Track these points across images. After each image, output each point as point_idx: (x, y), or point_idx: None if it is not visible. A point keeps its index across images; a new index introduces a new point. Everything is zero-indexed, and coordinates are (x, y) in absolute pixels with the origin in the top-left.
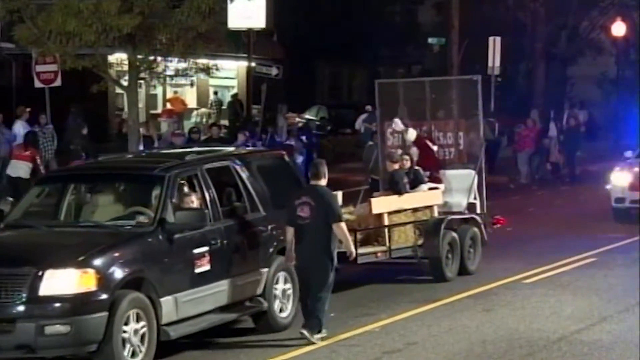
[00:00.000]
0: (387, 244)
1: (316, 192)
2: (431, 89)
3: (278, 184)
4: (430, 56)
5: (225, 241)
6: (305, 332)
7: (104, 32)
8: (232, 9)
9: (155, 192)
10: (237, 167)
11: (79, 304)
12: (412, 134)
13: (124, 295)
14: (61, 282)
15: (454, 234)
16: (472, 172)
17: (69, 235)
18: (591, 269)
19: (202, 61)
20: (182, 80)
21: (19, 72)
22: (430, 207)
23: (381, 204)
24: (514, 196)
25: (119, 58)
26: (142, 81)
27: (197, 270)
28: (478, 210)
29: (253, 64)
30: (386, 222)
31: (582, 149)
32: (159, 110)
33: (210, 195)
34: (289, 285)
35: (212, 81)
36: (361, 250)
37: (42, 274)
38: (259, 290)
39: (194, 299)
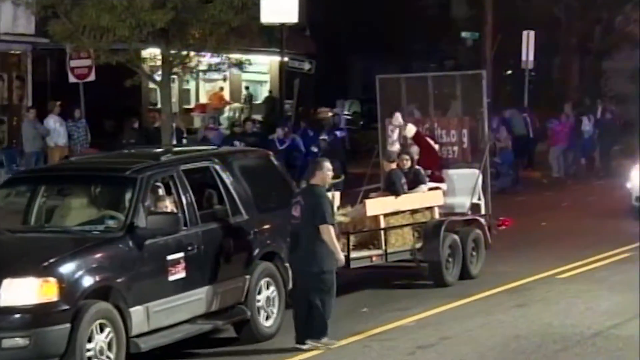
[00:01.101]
0: (383, 247)
1: (307, 191)
2: (434, 84)
3: (263, 185)
4: (463, 51)
5: (202, 247)
6: (312, 342)
7: (137, 27)
8: (264, 4)
9: (127, 195)
10: (218, 168)
11: (39, 315)
12: (410, 130)
13: (89, 306)
14: (20, 291)
15: (455, 237)
16: (476, 171)
17: (32, 241)
18: (626, 264)
19: (235, 56)
20: (215, 75)
21: (54, 67)
22: (430, 208)
23: (376, 206)
24: (547, 191)
25: (152, 53)
26: (175, 76)
27: (171, 278)
28: (483, 212)
29: (286, 59)
30: (382, 225)
31: (619, 143)
32: (192, 105)
33: (186, 198)
34: (274, 293)
35: (244, 76)
36: (355, 254)
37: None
38: (241, 298)
39: (167, 309)
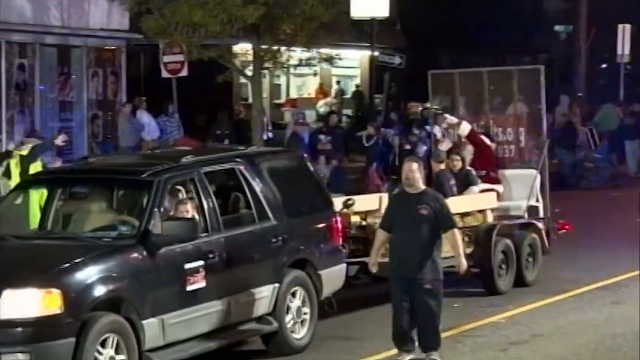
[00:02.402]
0: None
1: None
2: (489, 80)
3: (294, 188)
4: (557, 44)
5: (225, 254)
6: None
7: (229, 22)
8: None
9: (143, 199)
10: (244, 170)
11: (41, 328)
12: (465, 128)
13: (96, 318)
14: (21, 303)
15: (509, 242)
16: (534, 171)
17: (38, 249)
18: None
19: (325, 51)
20: (305, 70)
21: (147, 63)
22: (483, 211)
23: None
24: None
25: (243, 48)
26: (266, 71)
27: (190, 288)
28: (541, 214)
29: (376, 53)
30: None
31: None
32: (283, 99)
33: (208, 203)
34: (305, 302)
35: (334, 71)
36: None
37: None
38: (268, 309)
39: (184, 321)
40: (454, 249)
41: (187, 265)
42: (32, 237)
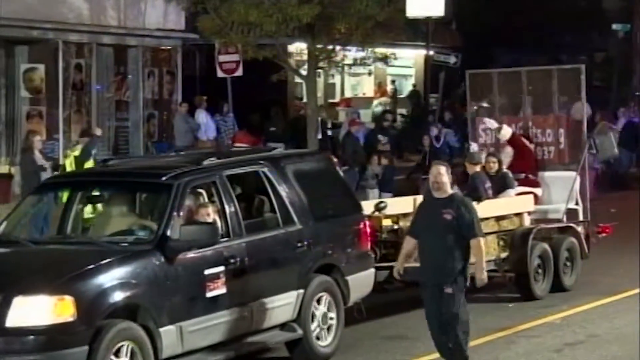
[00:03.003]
0: None
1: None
2: (528, 79)
3: (321, 191)
4: (614, 43)
5: (247, 259)
6: None
7: (284, 22)
8: None
9: (162, 203)
10: (268, 173)
11: (53, 336)
12: (506, 132)
13: (111, 326)
14: (32, 310)
15: (546, 246)
16: (574, 174)
17: (52, 255)
18: None
19: (380, 50)
20: (360, 69)
21: (203, 62)
22: (520, 214)
23: None
24: None
25: (298, 48)
26: (320, 70)
27: (210, 294)
28: (580, 217)
29: (431, 53)
30: None
31: None
32: (337, 99)
33: (230, 207)
34: (332, 309)
35: (389, 70)
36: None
37: (10, 302)
38: (292, 315)
39: (204, 328)
40: (475, 259)
41: (207, 271)
42: (49, 242)
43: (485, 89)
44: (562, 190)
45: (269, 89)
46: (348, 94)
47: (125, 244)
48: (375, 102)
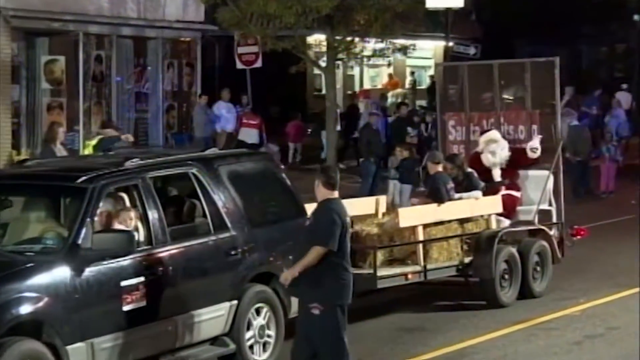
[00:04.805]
0: (422, 263)
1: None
2: (500, 73)
3: (259, 195)
4: (635, 34)
5: (171, 269)
6: None
7: (303, 13)
8: None
9: (75, 209)
10: (199, 175)
11: None
12: (504, 151)
13: (9, 344)
14: None
15: (514, 250)
16: (547, 172)
17: None
18: None
19: (399, 41)
20: (379, 61)
21: (222, 54)
22: (487, 217)
23: (411, 215)
24: None
25: (317, 39)
26: (339, 62)
27: (127, 308)
28: (554, 219)
29: (450, 44)
30: (420, 237)
31: None
32: (356, 90)
33: (153, 212)
34: (270, 321)
35: (408, 61)
36: (385, 272)
37: None
38: (224, 328)
39: (120, 345)
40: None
41: (124, 283)
42: None
43: (456, 82)
44: (535, 191)
45: (288, 80)
46: (367, 85)
47: (32, 254)
48: (390, 93)
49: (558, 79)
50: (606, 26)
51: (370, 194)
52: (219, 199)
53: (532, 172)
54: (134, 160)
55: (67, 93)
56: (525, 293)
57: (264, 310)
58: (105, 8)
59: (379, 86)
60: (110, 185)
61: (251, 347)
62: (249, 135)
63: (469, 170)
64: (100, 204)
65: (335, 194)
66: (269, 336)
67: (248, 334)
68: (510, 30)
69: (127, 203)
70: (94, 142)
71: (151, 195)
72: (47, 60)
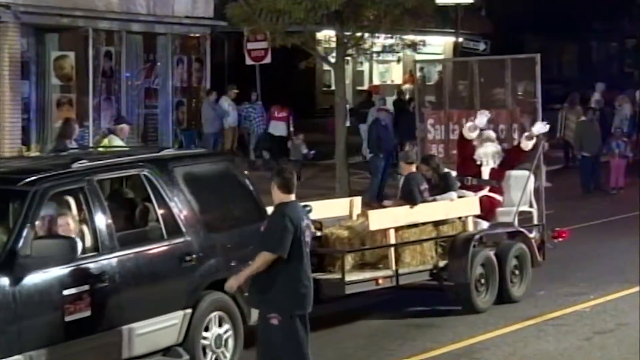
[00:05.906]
0: (394, 267)
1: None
2: (480, 70)
3: (217, 198)
4: None
5: (119, 276)
6: None
7: (312, 9)
8: None
9: (14, 213)
10: (151, 177)
11: None
12: (492, 142)
13: None
14: None
15: (491, 253)
16: (527, 172)
17: None
18: None
19: (409, 37)
20: (389, 57)
21: (231, 50)
22: (464, 219)
23: (382, 218)
24: None
25: (326, 35)
26: (349, 58)
27: (69, 318)
28: (535, 221)
29: (460, 39)
30: (392, 240)
31: None
32: (366, 86)
33: (100, 217)
34: (227, 330)
35: (418, 57)
36: (353, 277)
37: None
38: (178, 338)
39: (62, 357)
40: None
41: (67, 292)
42: None
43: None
44: (516, 191)
45: (298, 76)
46: (376, 81)
47: None
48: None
49: (539, 76)
50: (616, 22)
51: (380, 190)
52: (173, 202)
53: (513, 172)
54: (81, 161)
55: (76, 89)
56: (504, 297)
57: (221, 318)
58: (115, 4)
59: (389, 82)
60: (53, 188)
61: (207, 357)
62: (277, 128)
63: (445, 170)
64: (42, 209)
65: (292, 197)
66: (226, 346)
67: (203, 344)
68: (520, 26)
69: (73, 207)
70: (105, 141)
71: (98, 198)
72: (56, 56)
